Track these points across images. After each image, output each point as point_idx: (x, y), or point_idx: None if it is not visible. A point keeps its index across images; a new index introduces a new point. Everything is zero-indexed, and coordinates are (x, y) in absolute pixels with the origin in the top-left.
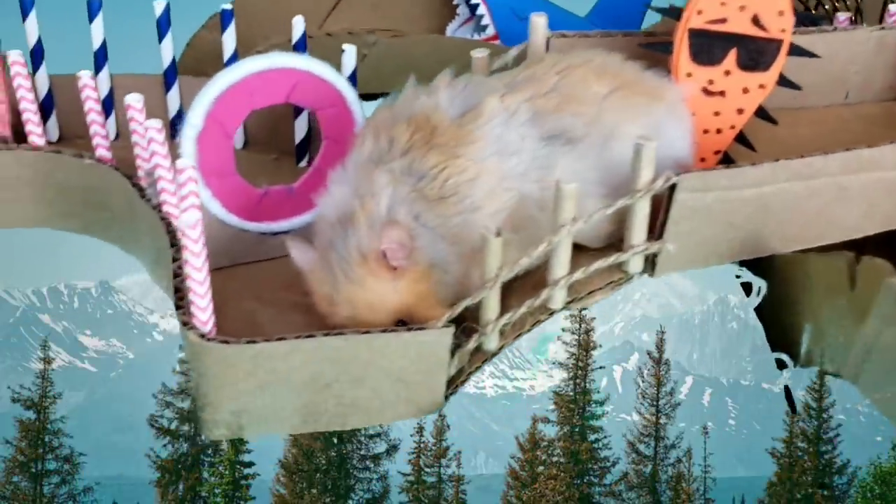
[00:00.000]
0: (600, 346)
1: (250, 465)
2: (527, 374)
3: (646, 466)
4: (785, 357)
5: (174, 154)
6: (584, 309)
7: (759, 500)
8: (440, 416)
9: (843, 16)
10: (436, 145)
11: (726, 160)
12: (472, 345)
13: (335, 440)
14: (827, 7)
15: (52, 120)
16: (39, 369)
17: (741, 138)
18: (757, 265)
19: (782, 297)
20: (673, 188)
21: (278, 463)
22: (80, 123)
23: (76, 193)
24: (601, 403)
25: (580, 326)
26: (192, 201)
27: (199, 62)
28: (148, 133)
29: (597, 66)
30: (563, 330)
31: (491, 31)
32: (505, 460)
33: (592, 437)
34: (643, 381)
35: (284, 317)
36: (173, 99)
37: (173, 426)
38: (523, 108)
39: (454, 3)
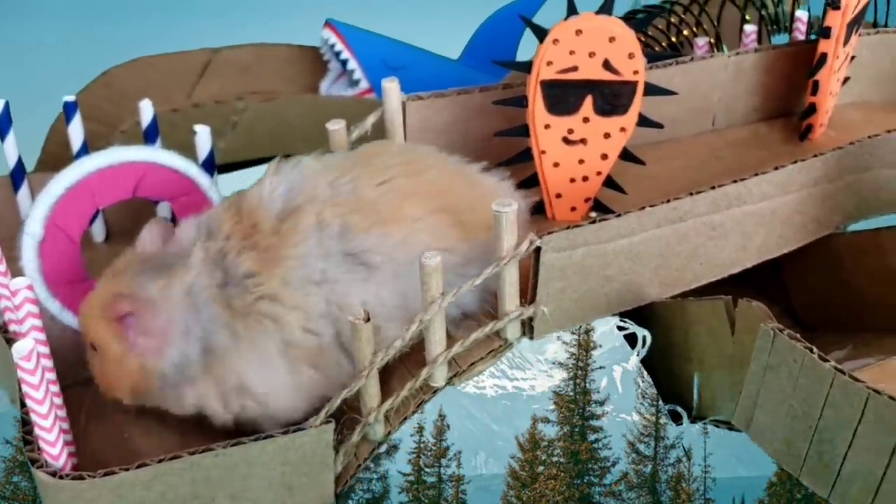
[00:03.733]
0: (600, 346)
1: None
2: (527, 374)
3: (646, 466)
4: (679, 409)
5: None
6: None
7: (758, 500)
8: (440, 416)
9: (702, 41)
10: (253, 248)
11: (598, 206)
12: (356, 437)
13: None
14: (686, 33)
15: None
16: None
17: (610, 182)
18: (639, 315)
19: (667, 346)
20: (538, 251)
21: None
22: None
23: None
24: (601, 403)
25: (580, 327)
26: (31, 323)
27: (64, 147)
28: None
29: (425, 182)
30: (564, 330)
31: (364, 84)
32: (505, 460)
33: (592, 437)
34: (643, 381)
35: (159, 425)
36: (24, 199)
37: None
38: (335, 223)
39: (325, 59)
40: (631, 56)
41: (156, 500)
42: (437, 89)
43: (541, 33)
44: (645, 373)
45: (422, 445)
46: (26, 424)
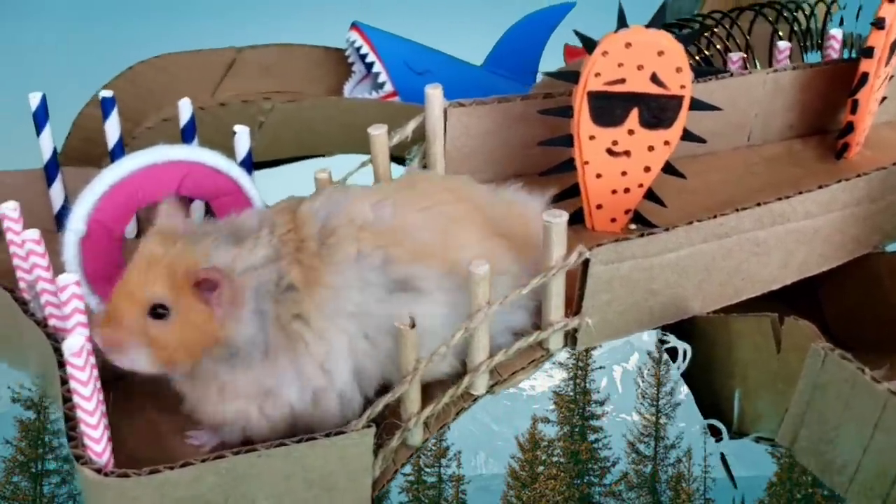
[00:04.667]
0: (600, 345)
1: None
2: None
3: (646, 466)
4: (718, 423)
5: (57, 260)
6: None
7: (758, 501)
8: None
9: (735, 56)
10: (300, 263)
11: (637, 218)
12: (395, 442)
13: None
14: (718, 47)
15: None
16: None
17: (650, 195)
18: (681, 329)
19: (709, 361)
20: (586, 263)
21: None
22: None
23: None
24: (601, 403)
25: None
26: (77, 319)
27: (87, 142)
28: (26, 245)
29: (465, 211)
30: None
31: (389, 87)
32: (505, 460)
33: (592, 437)
34: (643, 381)
35: (192, 425)
36: (57, 193)
37: None
38: (377, 254)
39: (349, 61)
40: (679, 70)
41: (198, 499)
42: (459, 94)
43: (590, 44)
44: (645, 373)
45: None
46: (69, 420)
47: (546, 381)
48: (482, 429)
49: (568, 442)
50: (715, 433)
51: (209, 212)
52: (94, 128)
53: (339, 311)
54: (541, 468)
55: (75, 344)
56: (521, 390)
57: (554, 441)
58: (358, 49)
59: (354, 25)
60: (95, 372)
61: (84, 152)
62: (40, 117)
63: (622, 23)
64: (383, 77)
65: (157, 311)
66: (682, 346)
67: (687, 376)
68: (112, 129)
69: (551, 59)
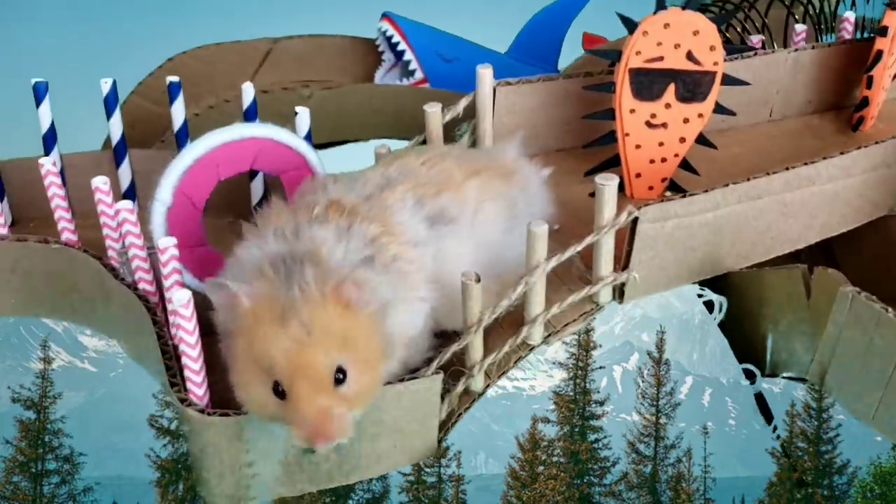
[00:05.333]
0: (600, 346)
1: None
2: (527, 374)
3: (646, 466)
4: (752, 367)
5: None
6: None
7: (758, 500)
8: None
9: (755, 38)
10: (365, 218)
11: (672, 186)
12: (460, 388)
13: None
14: (738, 29)
15: (4, 205)
16: (39, 369)
17: (685, 164)
18: (715, 284)
19: (743, 311)
20: (635, 221)
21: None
22: (30, 206)
23: (43, 279)
24: (601, 403)
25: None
26: (176, 278)
27: (129, 127)
28: (120, 214)
29: (455, 157)
30: None
31: (419, 75)
32: (505, 460)
33: (592, 437)
34: (643, 381)
35: None
36: (125, 173)
37: (173, 426)
38: (408, 195)
39: (379, 50)
40: (712, 48)
41: (287, 438)
42: None
43: (631, 25)
44: (645, 373)
45: None
46: (169, 369)
47: (546, 381)
48: (482, 429)
49: (568, 442)
50: (749, 376)
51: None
52: (138, 115)
53: (414, 241)
54: (541, 468)
55: (183, 297)
56: (520, 390)
57: (554, 441)
58: (389, 38)
59: (386, 16)
60: (197, 323)
61: (130, 136)
62: (111, 102)
63: (661, 5)
64: (414, 65)
65: (338, 377)
66: (718, 298)
67: (722, 326)
68: (178, 113)
69: (571, 47)
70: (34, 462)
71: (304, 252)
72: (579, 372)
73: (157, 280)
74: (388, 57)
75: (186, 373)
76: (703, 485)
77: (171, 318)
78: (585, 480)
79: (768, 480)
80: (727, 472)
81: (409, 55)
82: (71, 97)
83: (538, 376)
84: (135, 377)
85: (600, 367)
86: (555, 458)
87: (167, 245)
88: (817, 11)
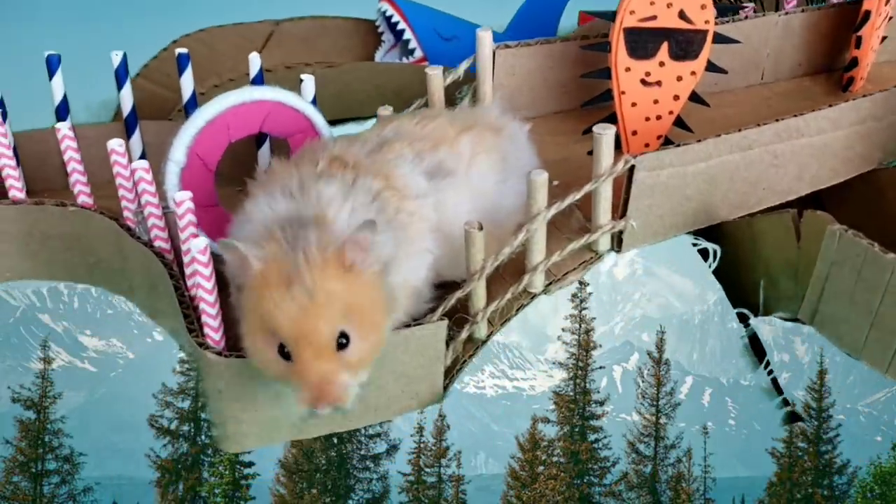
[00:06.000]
0: (600, 346)
1: (250, 465)
2: (527, 374)
3: (646, 466)
4: (746, 311)
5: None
6: (585, 308)
7: (758, 500)
8: (440, 416)
9: (747, 4)
10: (368, 172)
11: (667, 143)
12: (464, 334)
13: (335, 440)
14: (726, 2)
15: (20, 172)
16: (39, 369)
17: (679, 122)
18: (710, 233)
19: (736, 258)
20: (632, 169)
21: (278, 463)
22: (43, 179)
23: (60, 242)
24: (601, 403)
25: (580, 326)
26: (192, 230)
27: (139, 110)
28: (137, 173)
29: (447, 116)
30: (564, 330)
31: (419, 53)
32: (505, 460)
33: (592, 437)
34: (643, 381)
35: None
36: (136, 144)
37: (173, 426)
38: (405, 151)
39: (379, 31)
40: (703, 7)
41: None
42: None
43: None
44: (645, 373)
45: (422, 445)
46: (187, 317)
47: (546, 381)
48: (482, 429)
49: (568, 442)
50: (743, 319)
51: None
52: (145, 97)
53: (416, 193)
54: (541, 468)
55: (201, 244)
56: (520, 390)
57: (554, 441)
58: (389, 18)
59: None
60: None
61: (139, 107)
62: (121, 74)
63: None
64: (413, 44)
65: (341, 342)
66: (711, 246)
67: (717, 273)
68: (187, 84)
69: (568, 27)
70: (34, 462)
71: (310, 215)
72: (579, 372)
73: (172, 238)
74: (387, 38)
75: (204, 318)
76: (703, 485)
77: (188, 269)
78: (585, 480)
79: (768, 480)
80: (727, 472)
81: (408, 34)
82: (72, 74)
83: (538, 376)
84: (135, 377)
85: (600, 367)
86: (555, 458)
87: (183, 198)
88: None
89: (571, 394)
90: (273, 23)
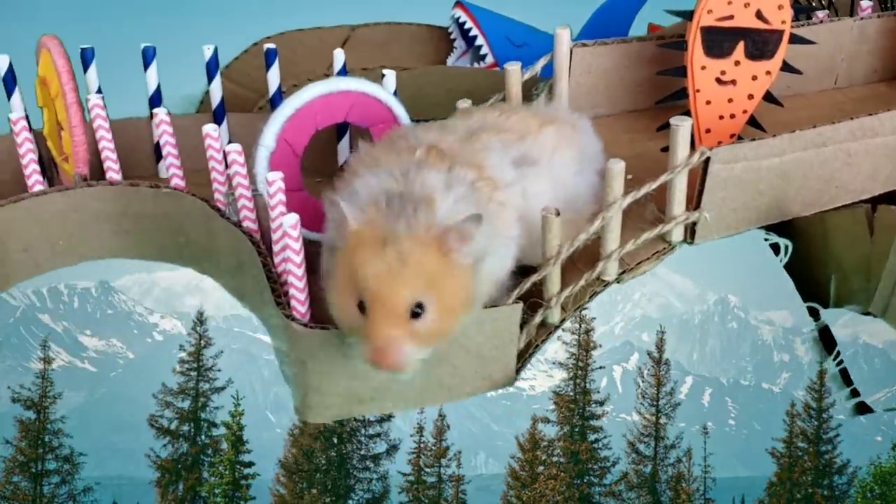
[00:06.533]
0: (600, 346)
1: (250, 465)
2: (527, 374)
3: (646, 466)
4: (816, 305)
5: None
6: (585, 308)
7: (758, 500)
8: (440, 416)
9: (821, 13)
10: (462, 162)
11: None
12: (538, 319)
13: (335, 440)
14: (802, 2)
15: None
16: (39, 369)
17: (753, 121)
18: (780, 228)
19: (806, 253)
20: (707, 161)
21: (278, 463)
22: (134, 164)
23: (152, 222)
24: (601, 403)
25: (580, 326)
26: (282, 209)
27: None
28: (230, 156)
29: (527, 110)
30: (563, 330)
31: (490, 59)
32: (505, 460)
33: (592, 437)
34: (643, 381)
35: None
36: (223, 133)
37: (173, 426)
38: (493, 141)
39: (451, 37)
40: (780, 8)
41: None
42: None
43: None
44: (645, 373)
45: (422, 445)
46: (274, 291)
47: (546, 381)
48: (482, 429)
49: (568, 442)
50: (813, 313)
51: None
52: (227, 97)
53: (504, 182)
54: (541, 468)
55: (292, 219)
56: (520, 390)
57: (554, 441)
58: (462, 25)
59: (459, 3)
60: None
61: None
62: (212, 67)
63: None
64: (485, 49)
65: (416, 312)
66: (783, 241)
67: (788, 268)
68: (273, 77)
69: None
70: (34, 462)
71: (419, 195)
72: (579, 372)
73: (260, 220)
74: (459, 44)
75: (291, 291)
76: (703, 485)
77: (277, 246)
78: (585, 480)
79: (768, 480)
80: (727, 472)
81: (480, 40)
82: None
83: (538, 376)
84: (135, 377)
85: (600, 367)
86: (555, 458)
87: (275, 178)
88: None
89: (571, 394)
90: (349, 28)
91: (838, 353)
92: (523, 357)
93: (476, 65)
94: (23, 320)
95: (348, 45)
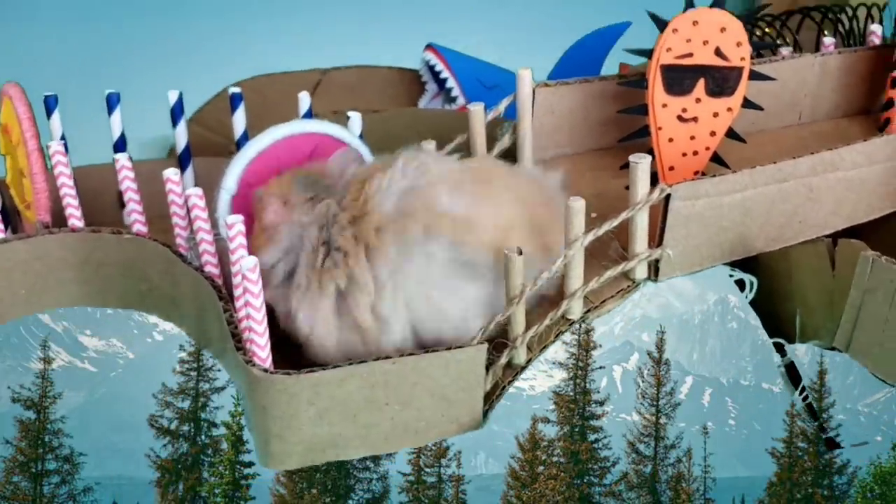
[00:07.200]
0: (600, 346)
1: (250, 465)
2: (527, 374)
3: (646, 466)
4: (782, 340)
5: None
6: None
7: (758, 501)
8: None
9: (785, 50)
10: (355, 231)
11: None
12: (504, 359)
13: None
14: (765, 40)
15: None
16: (39, 369)
17: (716, 158)
18: (746, 263)
19: (771, 288)
20: (668, 198)
21: None
22: (97, 211)
23: (114, 269)
24: (601, 403)
25: (580, 326)
26: (242, 252)
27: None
28: (191, 199)
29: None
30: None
31: (461, 101)
32: (505, 460)
33: (592, 437)
34: (643, 381)
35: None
36: (189, 178)
37: (173, 426)
38: (445, 237)
39: (422, 80)
40: (739, 45)
41: (345, 398)
42: None
43: (661, 24)
44: (645, 373)
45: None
46: (235, 336)
47: (546, 381)
48: (482, 429)
49: (568, 442)
50: (779, 349)
51: None
52: (197, 142)
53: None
54: (541, 468)
55: (251, 262)
56: (520, 390)
57: (554, 441)
58: (432, 67)
59: (430, 47)
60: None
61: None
62: (177, 112)
63: (689, 4)
64: (456, 92)
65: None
66: (748, 278)
67: (753, 304)
68: (239, 122)
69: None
70: (34, 462)
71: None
72: (579, 372)
73: (222, 265)
74: (430, 87)
75: (251, 335)
76: (703, 485)
77: (237, 290)
78: (585, 480)
79: (768, 480)
80: (727, 472)
81: (451, 82)
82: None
83: (538, 376)
84: (135, 377)
85: (600, 367)
86: (555, 458)
87: (235, 221)
88: (847, 29)
89: (571, 394)
90: (321, 71)
91: (804, 387)
92: (490, 399)
93: (447, 107)
94: (23, 320)
95: (320, 88)
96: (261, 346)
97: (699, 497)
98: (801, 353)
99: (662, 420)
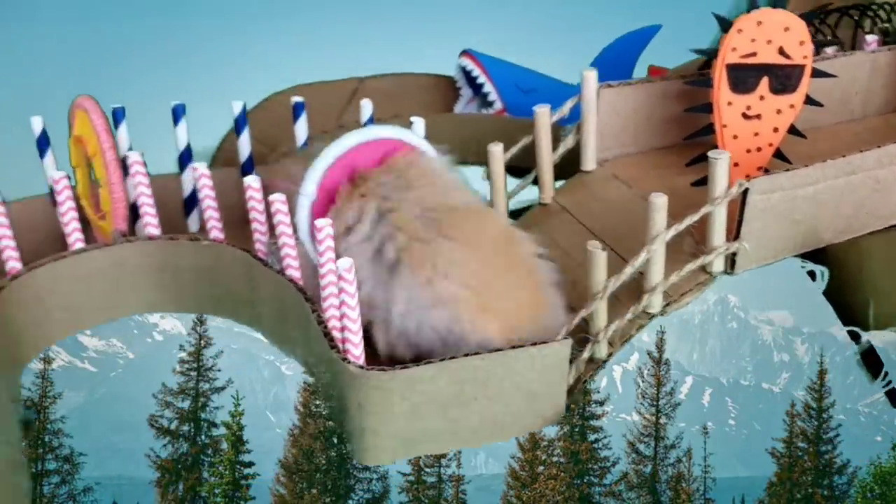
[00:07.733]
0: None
1: (250, 465)
2: None
3: (646, 466)
4: (857, 329)
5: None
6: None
7: (758, 501)
8: None
9: (830, 49)
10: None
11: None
12: (586, 354)
13: (335, 440)
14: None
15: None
16: (39, 369)
17: (778, 154)
18: (816, 255)
19: (841, 278)
20: (745, 192)
21: (278, 463)
22: (165, 220)
23: (191, 275)
24: (601, 403)
25: None
26: (331, 255)
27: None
28: (274, 205)
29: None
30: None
31: (498, 105)
32: (505, 460)
33: (592, 437)
34: (643, 381)
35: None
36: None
37: (173, 426)
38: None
39: (457, 86)
40: (802, 43)
41: (436, 393)
42: None
43: (726, 24)
44: (645, 373)
45: None
46: (327, 335)
47: None
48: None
49: (568, 442)
50: (854, 337)
51: None
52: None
53: None
54: (541, 468)
55: (347, 262)
56: None
57: (554, 441)
58: (469, 73)
59: (466, 52)
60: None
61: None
62: (241, 123)
63: (753, 5)
64: (493, 96)
65: None
66: (819, 268)
67: (826, 294)
68: (301, 130)
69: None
70: (34, 462)
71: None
72: None
73: (302, 267)
74: (465, 92)
75: (346, 334)
76: (703, 485)
77: (327, 290)
78: (585, 480)
79: (768, 480)
80: (727, 472)
81: (488, 87)
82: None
83: None
84: (135, 377)
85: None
86: (555, 458)
87: (323, 225)
88: (882, 26)
89: None
90: (357, 80)
91: (886, 373)
92: (572, 392)
93: (484, 111)
94: None
95: (357, 96)
96: (355, 345)
97: (699, 497)
98: (801, 353)
99: (662, 420)
